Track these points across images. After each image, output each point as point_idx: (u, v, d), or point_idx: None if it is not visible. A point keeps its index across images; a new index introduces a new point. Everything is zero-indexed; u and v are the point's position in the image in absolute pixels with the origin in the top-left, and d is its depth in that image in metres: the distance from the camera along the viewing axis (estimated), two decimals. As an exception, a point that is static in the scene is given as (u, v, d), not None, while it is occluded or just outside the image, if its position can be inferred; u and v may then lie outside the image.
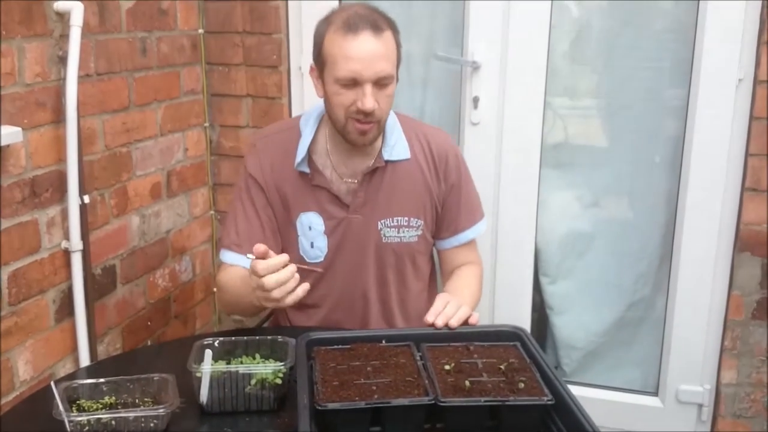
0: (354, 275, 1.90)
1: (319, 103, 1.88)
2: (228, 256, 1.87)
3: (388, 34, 1.70)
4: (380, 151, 1.85)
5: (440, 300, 1.68)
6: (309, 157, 1.84)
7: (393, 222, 1.88)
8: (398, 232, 1.89)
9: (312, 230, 1.86)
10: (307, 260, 1.88)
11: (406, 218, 1.89)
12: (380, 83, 1.69)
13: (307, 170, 1.84)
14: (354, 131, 1.74)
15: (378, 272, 1.91)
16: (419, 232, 1.92)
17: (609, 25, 2.42)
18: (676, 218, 2.38)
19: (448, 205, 1.95)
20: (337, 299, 1.92)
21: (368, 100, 1.67)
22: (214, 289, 2.80)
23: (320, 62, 1.74)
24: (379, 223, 1.88)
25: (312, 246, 1.87)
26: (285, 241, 1.90)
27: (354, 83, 1.68)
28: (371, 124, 1.73)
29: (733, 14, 2.16)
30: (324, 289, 1.90)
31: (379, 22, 1.69)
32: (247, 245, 1.75)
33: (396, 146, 1.87)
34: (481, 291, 2.01)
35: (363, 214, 1.86)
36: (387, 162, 1.85)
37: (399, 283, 1.94)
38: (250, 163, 1.89)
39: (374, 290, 1.92)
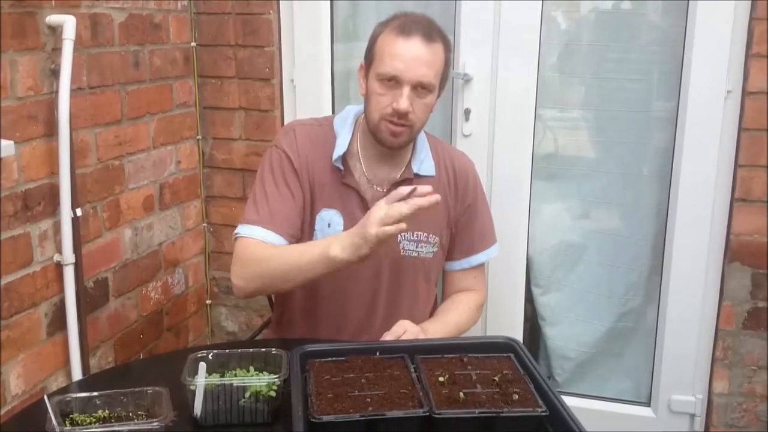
0: (366, 281, 1.89)
1: (352, 107, 1.92)
2: (258, 233, 1.78)
3: (438, 47, 1.75)
4: (409, 162, 1.88)
5: (399, 326, 1.72)
6: (343, 156, 1.86)
7: (413, 236, 1.89)
8: (417, 247, 1.90)
9: (330, 228, 1.86)
10: None
11: (426, 234, 1.90)
12: (419, 89, 1.73)
13: (341, 167, 1.85)
14: (386, 131, 1.76)
15: (392, 283, 1.90)
16: (435, 249, 1.93)
17: (597, 38, 2.44)
18: (666, 229, 2.40)
19: (462, 225, 1.96)
20: (344, 301, 1.90)
21: (403, 100, 1.71)
22: (208, 301, 2.80)
23: (369, 58, 1.79)
24: (399, 235, 1.86)
25: None
26: (302, 231, 1.88)
27: (394, 82, 1.72)
28: (404, 127, 1.75)
29: (721, 27, 2.18)
30: (331, 288, 1.88)
31: (432, 33, 1.75)
32: (282, 224, 1.79)
33: (424, 162, 1.90)
34: (474, 322, 2.00)
35: None
36: (415, 175, 1.87)
37: (411, 296, 1.93)
38: (285, 142, 1.87)
39: (384, 299, 1.91)
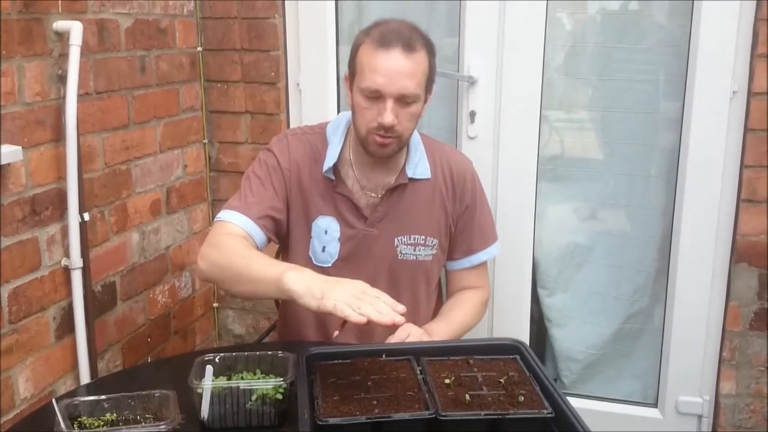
0: None
1: (344, 114, 1.92)
2: (235, 217, 1.79)
3: (420, 55, 1.73)
4: (403, 167, 1.88)
5: (403, 330, 1.73)
6: (334, 165, 1.86)
7: (410, 240, 1.90)
8: (414, 250, 1.91)
9: (327, 235, 1.87)
10: (315, 263, 1.88)
11: (423, 237, 1.91)
12: (403, 101, 1.72)
13: (333, 177, 1.85)
14: (373, 144, 1.77)
15: (391, 289, 1.86)
16: (434, 252, 1.93)
17: (603, 39, 2.44)
18: (673, 230, 2.40)
19: (461, 226, 1.96)
20: None
21: (387, 115, 1.70)
22: (215, 304, 2.81)
23: (352, 71, 1.79)
24: (396, 239, 1.89)
25: (323, 250, 1.88)
26: (297, 239, 1.89)
27: (377, 96, 1.71)
28: (391, 139, 1.75)
29: (726, 28, 2.18)
30: None
31: (413, 41, 1.72)
32: (259, 215, 1.80)
33: (419, 165, 1.89)
34: (479, 318, 2.02)
35: (379, 229, 1.88)
36: (410, 179, 1.87)
37: (412, 301, 1.93)
38: (278, 149, 1.88)
39: None
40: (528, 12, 2.35)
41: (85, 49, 2.00)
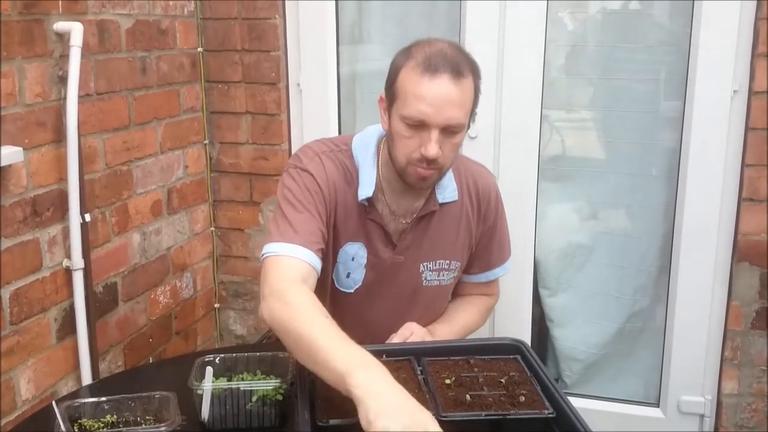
0: (387, 314, 1.82)
1: (373, 130, 1.79)
2: (293, 250, 1.56)
3: (468, 81, 1.59)
4: (433, 192, 1.77)
5: (406, 329, 1.70)
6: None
7: (435, 265, 1.82)
8: (438, 275, 1.83)
9: (354, 261, 1.76)
10: (337, 287, 1.80)
11: (447, 261, 1.83)
12: (448, 130, 1.58)
13: (366, 203, 1.72)
14: (413, 176, 1.63)
15: (412, 312, 1.83)
16: (455, 274, 1.87)
17: (604, 39, 2.44)
18: (674, 229, 2.39)
19: (483, 243, 1.89)
20: (363, 333, 1.60)
21: (432, 146, 1.56)
22: (216, 305, 2.81)
23: (391, 95, 1.63)
24: (421, 266, 1.81)
25: (347, 276, 1.79)
26: (323, 264, 1.70)
27: (421, 125, 1.57)
28: (432, 171, 1.62)
29: (727, 27, 2.18)
30: (352, 320, 1.67)
31: (461, 67, 1.57)
32: (313, 242, 1.60)
33: (447, 188, 1.78)
34: (483, 321, 1.99)
35: (406, 256, 1.79)
36: (440, 204, 1.77)
37: (430, 318, 1.88)
38: (315, 169, 1.69)
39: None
40: (528, 12, 2.34)
41: (86, 50, 2.00)
